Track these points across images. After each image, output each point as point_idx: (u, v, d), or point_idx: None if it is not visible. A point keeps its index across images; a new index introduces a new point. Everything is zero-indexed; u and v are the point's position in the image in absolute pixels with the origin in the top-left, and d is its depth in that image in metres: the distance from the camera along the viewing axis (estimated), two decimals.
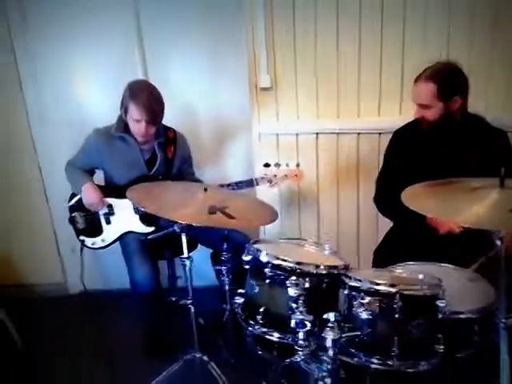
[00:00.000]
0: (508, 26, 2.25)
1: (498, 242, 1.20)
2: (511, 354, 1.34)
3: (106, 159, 2.32)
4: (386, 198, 2.15)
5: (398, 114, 2.45)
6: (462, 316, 1.50)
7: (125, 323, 2.60)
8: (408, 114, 2.23)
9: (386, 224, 2.29)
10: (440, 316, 1.41)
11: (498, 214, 1.16)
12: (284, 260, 1.55)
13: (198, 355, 1.98)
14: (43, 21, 2.68)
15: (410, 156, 2.06)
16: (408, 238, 2.03)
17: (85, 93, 2.83)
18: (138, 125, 2.19)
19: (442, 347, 1.40)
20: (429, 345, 1.41)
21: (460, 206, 1.23)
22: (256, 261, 1.64)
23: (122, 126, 2.29)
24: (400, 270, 1.62)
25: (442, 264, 1.78)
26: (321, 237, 2.69)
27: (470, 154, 1.94)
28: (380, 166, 2.27)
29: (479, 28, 2.28)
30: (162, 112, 2.24)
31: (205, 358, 1.99)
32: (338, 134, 2.51)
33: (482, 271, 1.73)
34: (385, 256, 2.11)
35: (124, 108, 2.22)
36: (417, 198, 1.37)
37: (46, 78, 2.79)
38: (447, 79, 1.89)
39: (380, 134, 2.44)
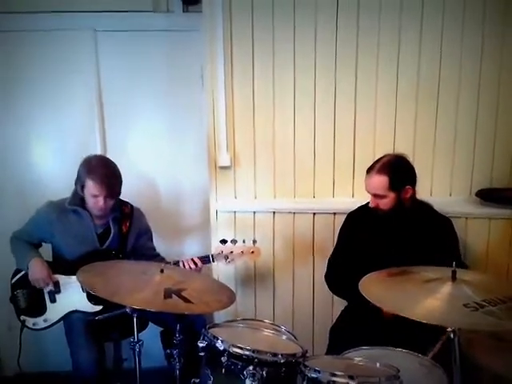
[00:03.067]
0: (448, 112, 2.46)
1: (452, 335, 1.23)
2: None
3: (57, 232, 2.23)
4: (337, 277, 2.21)
5: (351, 196, 2.55)
6: None
7: None
8: (360, 197, 2.36)
9: (341, 302, 2.31)
10: None
11: (450, 308, 1.20)
12: (241, 348, 1.51)
13: None
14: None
15: (362, 240, 2.14)
16: (363, 318, 2.05)
17: (41, 163, 2.77)
18: (95, 199, 2.16)
19: None
20: None
21: (414, 299, 1.26)
22: (211, 348, 1.59)
23: (77, 199, 2.24)
24: (357, 357, 1.61)
25: (396, 349, 1.78)
26: (276, 314, 2.65)
27: (422, 240, 2.04)
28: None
29: (421, 118, 2.47)
30: (120, 186, 2.22)
31: None
32: (294, 213, 2.56)
33: (437, 357, 1.75)
34: (340, 335, 2.12)
35: (80, 184, 2.18)
36: (372, 288, 1.40)
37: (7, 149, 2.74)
38: (398, 171, 2.03)
39: (334, 214, 2.52)
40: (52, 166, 2.77)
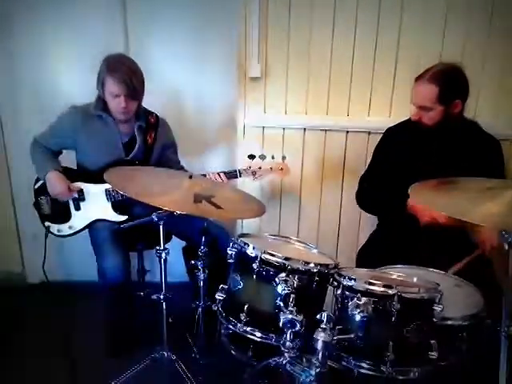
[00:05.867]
0: (503, 28, 2.24)
1: (506, 246, 1.15)
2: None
3: (81, 139, 2.15)
4: (370, 192, 2.12)
5: (388, 115, 2.40)
6: (452, 322, 1.46)
7: (88, 317, 2.44)
8: (398, 116, 2.22)
9: (368, 226, 2.25)
10: (435, 321, 1.34)
11: None
12: (273, 255, 1.46)
13: (166, 354, 1.89)
14: None
15: (402, 155, 2.01)
16: (393, 239, 1.99)
17: (61, 73, 2.62)
18: (116, 100, 2.05)
19: (436, 354, 1.34)
20: (423, 351, 1.34)
21: (471, 204, 1.16)
22: (242, 255, 1.55)
23: (101, 104, 2.14)
24: (392, 272, 1.56)
25: (429, 268, 1.74)
26: (300, 235, 2.60)
27: (465, 159, 1.91)
28: (366, 166, 2.21)
29: (474, 31, 2.26)
30: (143, 87, 2.11)
31: (173, 356, 1.90)
32: (326, 130, 2.44)
33: (465, 275, 1.71)
34: (369, 257, 2.06)
35: (101, 83, 2.07)
36: (424, 193, 1.30)
37: (22, 56, 2.58)
38: (450, 82, 1.85)
39: (369, 133, 2.39)
40: (70, 74, 2.62)
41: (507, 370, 1.25)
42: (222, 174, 2.20)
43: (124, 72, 2.01)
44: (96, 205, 2.20)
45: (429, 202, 1.22)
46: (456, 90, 1.86)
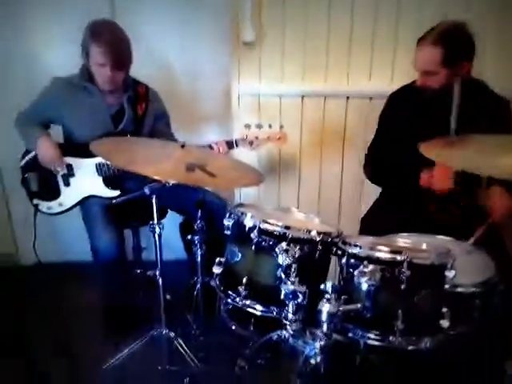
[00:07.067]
0: None
1: None
2: None
3: (67, 112, 2.05)
4: (379, 162, 2.01)
5: (390, 80, 2.29)
6: (463, 289, 1.38)
7: (84, 297, 2.38)
8: (400, 81, 2.09)
9: (371, 194, 2.16)
10: (447, 287, 1.27)
11: None
12: (272, 224, 1.38)
13: (164, 331, 1.84)
14: None
15: (408, 120, 1.89)
16: (397, 207, 1.91)
17: (45, 45, 2.50)
18: (102, 70, 1.94)
19: (448, 323, 1.26)
20: (434, 320, 1.27)
21: (491, 156, 1.07)
22: (239, 225, 1.46)
23: (87, 74, 2.02)
24: (400, 239, 1.47)
25: (437, 236, 1.66)
26: (300, 206, 2.52)
27: (469, 123, 1.79)
28: (367, 133, 2.10)
29: None
30: (130, 55, 1.99)
31: (172, 334, 1.86)
32: (325, 97, 2.33)
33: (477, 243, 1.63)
34: (372, 225, 1.97)
35: (85, 52, 1.95)
36: (438, 150, 1.21)
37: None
38: (455, 43, 1.71)
39: (371, 99, 2.28)
40: (55, 45, 2.49)
41: None
42: (224, 143, 2.10)
43: (109, 40, 1.89)
44: (86, 180, 2.11)
45: (442, 158, 1.12)
46: (462, 51, 1.73)
